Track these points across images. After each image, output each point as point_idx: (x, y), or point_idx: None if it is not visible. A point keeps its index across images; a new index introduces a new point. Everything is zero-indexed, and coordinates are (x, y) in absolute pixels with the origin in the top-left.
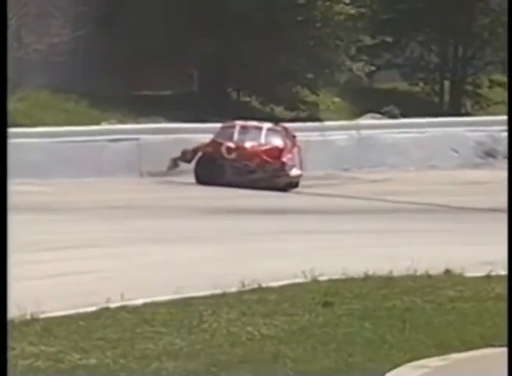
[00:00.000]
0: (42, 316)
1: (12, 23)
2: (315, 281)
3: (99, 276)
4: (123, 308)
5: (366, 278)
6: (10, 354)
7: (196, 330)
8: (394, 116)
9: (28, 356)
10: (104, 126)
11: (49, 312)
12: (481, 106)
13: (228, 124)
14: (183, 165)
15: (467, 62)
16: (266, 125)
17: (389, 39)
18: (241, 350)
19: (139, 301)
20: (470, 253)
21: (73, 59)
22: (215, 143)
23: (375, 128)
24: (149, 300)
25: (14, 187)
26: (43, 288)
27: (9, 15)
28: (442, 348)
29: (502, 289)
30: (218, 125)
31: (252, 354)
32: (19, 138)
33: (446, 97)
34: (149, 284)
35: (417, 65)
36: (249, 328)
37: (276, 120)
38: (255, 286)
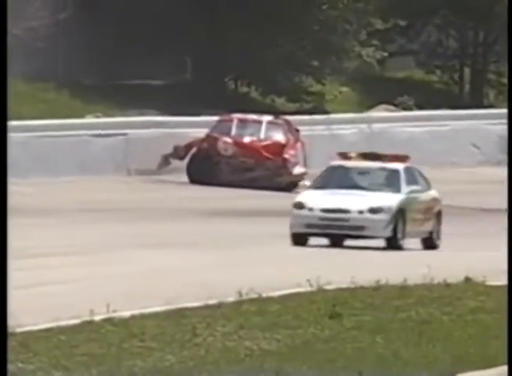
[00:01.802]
0: (19, 329)
1: None
2: (321, 290)
3: (81, 285)
4: (108, 320)
5: (378, 287)
6: None
7: (189, 345)
8: (409, 108)
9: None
10: (88, 119)
11: (27, 325)
12: (506, 96)
13: (225, 117)
14: (175, 163)
15: (489, 48)
16: (266, 118)
17: (403, 23)
18: (239, 367)
19: (126, 313)
20: (493, 259)
21: (53, 45)
22: (211, 138)
23: (387, 121)
24: (137, 312)
25: None
26: (20, 299)
27: None
28: (462, 364)
29: None
30: (214, 119)
31: (251, 372)
32: None
33: (466, 87)
34: (138, 294)
35: (434, 51)
36: (247, 343)
37: (278, 112)
38: (254, 296)
